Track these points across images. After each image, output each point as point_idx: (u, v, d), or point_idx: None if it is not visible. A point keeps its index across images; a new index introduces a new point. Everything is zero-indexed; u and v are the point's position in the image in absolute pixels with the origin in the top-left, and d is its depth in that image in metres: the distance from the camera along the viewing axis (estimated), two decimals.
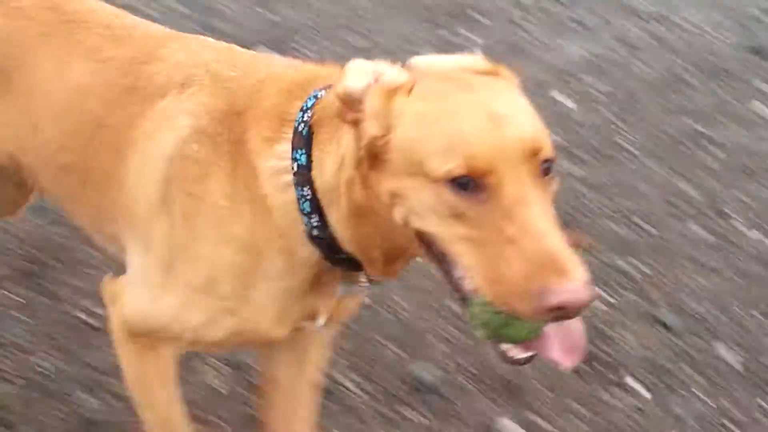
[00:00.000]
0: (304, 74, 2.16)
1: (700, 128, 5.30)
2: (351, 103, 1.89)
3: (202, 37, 2.41)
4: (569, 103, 5.43)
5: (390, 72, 1.91)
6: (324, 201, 2.00)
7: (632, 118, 5.37)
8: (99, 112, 2.31)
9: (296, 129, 2.02)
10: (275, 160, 2.04)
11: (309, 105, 2.03)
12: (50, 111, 2.39)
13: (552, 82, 5.58)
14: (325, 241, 2.03)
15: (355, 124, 1.90)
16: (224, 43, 2.36)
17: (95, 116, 2.31)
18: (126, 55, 2.34)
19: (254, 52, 2.34)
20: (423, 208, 1.84)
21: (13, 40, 2.43)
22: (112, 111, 2.29)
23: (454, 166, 1.78)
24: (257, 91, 2.13)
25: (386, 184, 1.87)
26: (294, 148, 2.01)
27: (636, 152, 4.96)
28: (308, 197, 2.00)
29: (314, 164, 1.99)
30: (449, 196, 1.79)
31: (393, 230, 1.93)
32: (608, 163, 4.84)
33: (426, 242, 1.88)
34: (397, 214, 1.88)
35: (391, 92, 1.88)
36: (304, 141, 2.00)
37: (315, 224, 2.01)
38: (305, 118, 2.01)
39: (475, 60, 2.04)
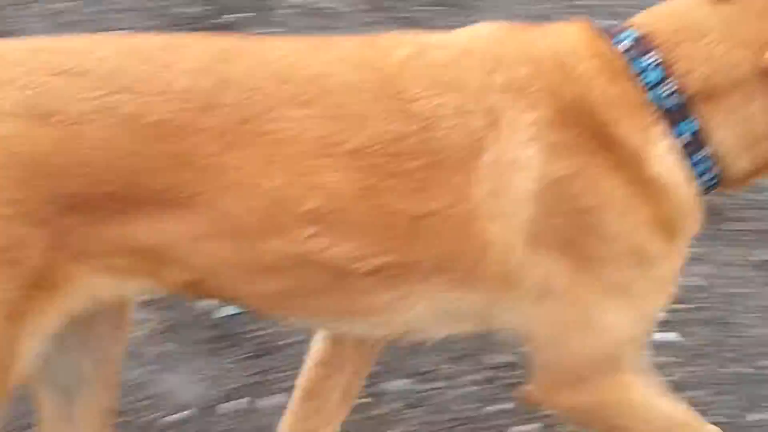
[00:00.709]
0: (583, 40, 1.95)
1: None
2: None
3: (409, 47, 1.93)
4: None
5: None
6: (735, 154, 1.98)
7: None
8: (401, 206, 1.84)
9: (665, 106, 1.91)
10: (660, 141, 1.91)
11: (654, 78, 1.91)
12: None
13: None
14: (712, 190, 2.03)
15: None
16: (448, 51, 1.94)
17: (398, 213, 1.84)
18: (375, 130, 1.83)
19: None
20: None
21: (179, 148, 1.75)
22: (418, 200, 1.84)
23: None
24: (571, 78, 1.90)
25: None
26: (674, 123, 1.92)
27: None
28: (705, 160, 1.95)
29: (717, 128, 1.94)
30: None
31: None
32: None
33: None
34: None
35: None
36: (686, 112, 1.92)
37: (711, 180, 1.98)
38: (667, 91, 1.91)
39: None
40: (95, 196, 1.71)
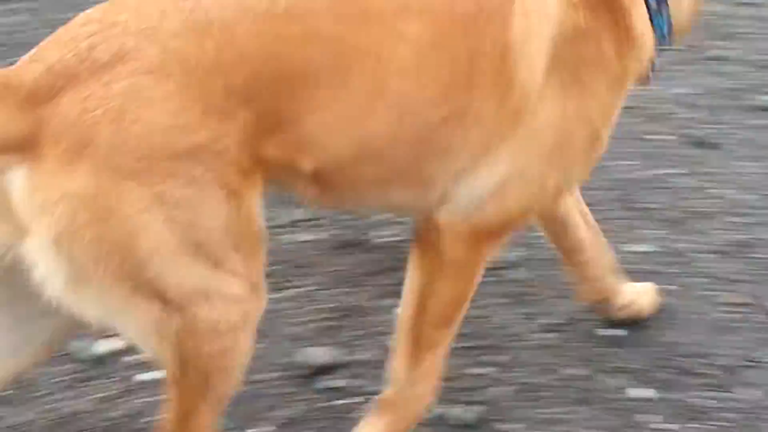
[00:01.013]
0: None
1: None
2: None
3: None
4: None
5: None
6: (685, 14, 2.59)
7: None
8: (460, 51, 2.24)
9: None
10: (642, 7, 2.45)
11: None
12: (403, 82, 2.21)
13: None
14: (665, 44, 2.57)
15: None
16: None
17: (458, 57, 2.25)
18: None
19: None
20: None
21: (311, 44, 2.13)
22: (471, 42, 2.26)
23: None
24: None
25: None
26: None
27: None
28: (666, 19, 2.51)
29: None
30: None
31: None
32: None
33: None
34: None
35: None
36: None
37: (665, 34, 2.52)
38: None
39: None
40: (257, 84, 2.04)
